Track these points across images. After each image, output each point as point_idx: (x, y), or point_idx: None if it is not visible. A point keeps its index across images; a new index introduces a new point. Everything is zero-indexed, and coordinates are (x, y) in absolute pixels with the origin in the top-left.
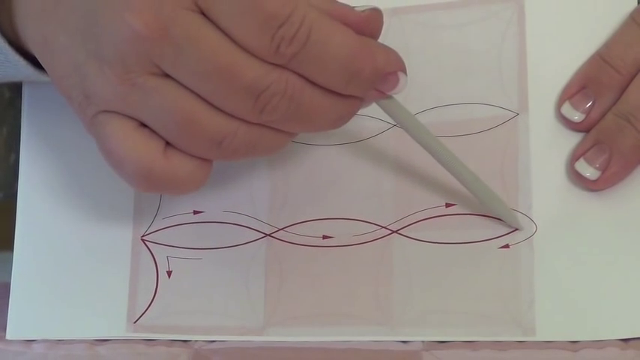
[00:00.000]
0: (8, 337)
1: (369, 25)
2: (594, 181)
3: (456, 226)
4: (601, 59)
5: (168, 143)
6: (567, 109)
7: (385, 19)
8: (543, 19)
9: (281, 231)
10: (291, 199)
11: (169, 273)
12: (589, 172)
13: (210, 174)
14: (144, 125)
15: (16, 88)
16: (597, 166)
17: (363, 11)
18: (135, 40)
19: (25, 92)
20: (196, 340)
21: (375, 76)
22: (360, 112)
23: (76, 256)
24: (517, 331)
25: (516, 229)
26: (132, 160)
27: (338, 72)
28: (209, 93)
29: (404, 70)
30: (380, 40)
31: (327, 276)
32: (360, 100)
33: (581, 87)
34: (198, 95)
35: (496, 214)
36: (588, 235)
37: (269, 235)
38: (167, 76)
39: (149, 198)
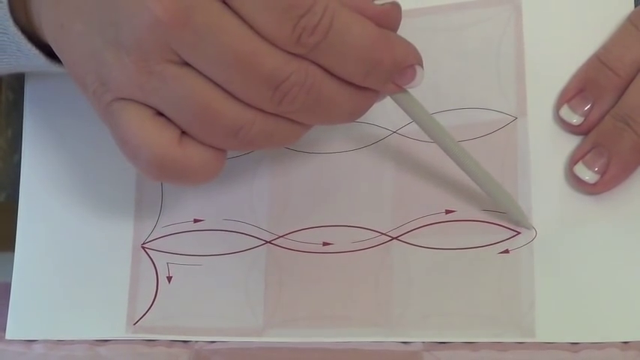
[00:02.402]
0: (8, 337)
1: (387, 18)
2: (593, 185)
3: (456, 232)
4: (599, 61)
5: (184, 132)
6: (566, 112)
7: None
8: (541, 22)
9: (281, 238)
10: (292, 207)
11: (169, 278)
12: (588, 175)
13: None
14: (160, 114)
15: (19, 90)
16: (596, 169)
17: (383, 5)
18: (155, 27)
19: (27, 94)
20: (196, 341)
21: (394, 67)
22: (360, 119)
23: (76, 257)
24: (516, 333)
25: (516, 234)
26: (146, 148)
27: (358, 63)
28: (228, 82)
29: (421, 64)
30: None
31: (327, 282)
32: (376, 94)
33: (579, 90)
34: (216, 84)
35: (510, 215)
36: (588, 238)
37: (269, 242)
38: (186, 64)
39: (150, 205)
